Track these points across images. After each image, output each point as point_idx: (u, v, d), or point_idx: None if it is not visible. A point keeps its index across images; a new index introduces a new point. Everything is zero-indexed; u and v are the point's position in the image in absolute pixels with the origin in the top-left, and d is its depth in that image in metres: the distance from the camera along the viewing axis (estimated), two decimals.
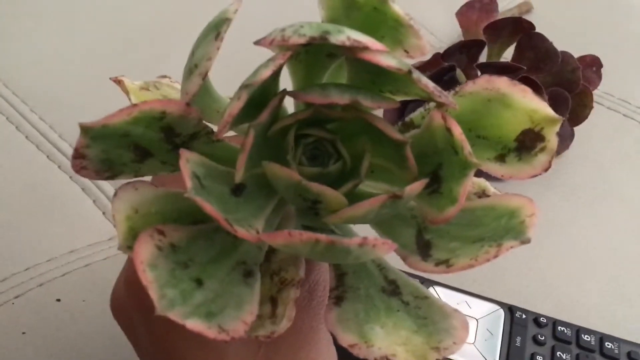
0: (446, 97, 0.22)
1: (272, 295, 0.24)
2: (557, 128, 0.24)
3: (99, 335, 0.34)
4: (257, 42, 0.21)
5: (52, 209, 0.44)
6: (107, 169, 0.23)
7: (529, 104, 0.24)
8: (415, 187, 0.22)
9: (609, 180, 0.51)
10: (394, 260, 0.26)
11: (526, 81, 0.47)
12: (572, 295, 0.42)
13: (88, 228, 0.43)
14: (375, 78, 0.24)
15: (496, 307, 0.37)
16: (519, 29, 0.53)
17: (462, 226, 0.25)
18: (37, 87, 0.54)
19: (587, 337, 0.36)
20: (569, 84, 0.51)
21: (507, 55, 0.54)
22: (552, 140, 0.24)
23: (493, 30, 0.54)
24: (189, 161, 0.22)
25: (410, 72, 0.21)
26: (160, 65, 0.57)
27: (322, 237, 0.19)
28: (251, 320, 0.22)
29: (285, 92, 0.23)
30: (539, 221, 0.44)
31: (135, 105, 0.21)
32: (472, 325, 0.36)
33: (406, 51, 0.24)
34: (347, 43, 0.20)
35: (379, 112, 0.25)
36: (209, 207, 0.20)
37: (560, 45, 0.51)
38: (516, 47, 0.53)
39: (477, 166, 0.22)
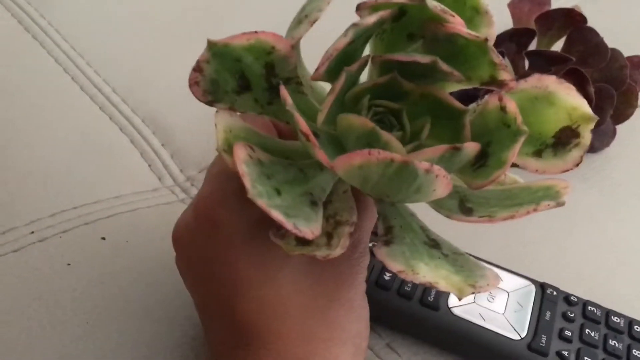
0: (510, 72, 0.26)
1: (327, 231, 0.27)
2: (592, 126, 0.28)
3: (140, 275, 0.36)
4: (360, 5, 0.26)
5: (101, 157, 0.45)
6: (212, 92, 0.27)
7: (570, 102, 0.28)
8: (473, 145, 0.26)
9: None
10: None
11: (574, 73, 0.48)
12: (605, 283, 0.42)
13: (134, 178, 0.45)
14: (447, 60, 0.28)
15: (528, 282, 0.38)
16: (571, 21, 0.53)
17: (500, 199, 0.28)
18: (94, 43, 0.57)
19: (617, 319, 0.37)
20: (615, 81, 0.51)
21: (557, 48, 0.54)
22: (587, 137, 0.28)
23: (545, 20, 0.54)
24: (288, 94, 0.25)
25: (486, 40, 0.25)
26: (216, 30, 0.58)
27: (397, 156, 0.23)
28: (316, 234, 0.25)
29: (370, 56, 0.27)
30: (577, 214, 0.46)
31: (255, 32, 0.25)
32: (503, 296, 0.37)
33: None
34: (439, 9, 0.25)
35: None
36: (303, 123, 0.24)
37: (608, 43, 0.51)
38: (566, 39, 0.53)
39: (527, 133, 0.25)
